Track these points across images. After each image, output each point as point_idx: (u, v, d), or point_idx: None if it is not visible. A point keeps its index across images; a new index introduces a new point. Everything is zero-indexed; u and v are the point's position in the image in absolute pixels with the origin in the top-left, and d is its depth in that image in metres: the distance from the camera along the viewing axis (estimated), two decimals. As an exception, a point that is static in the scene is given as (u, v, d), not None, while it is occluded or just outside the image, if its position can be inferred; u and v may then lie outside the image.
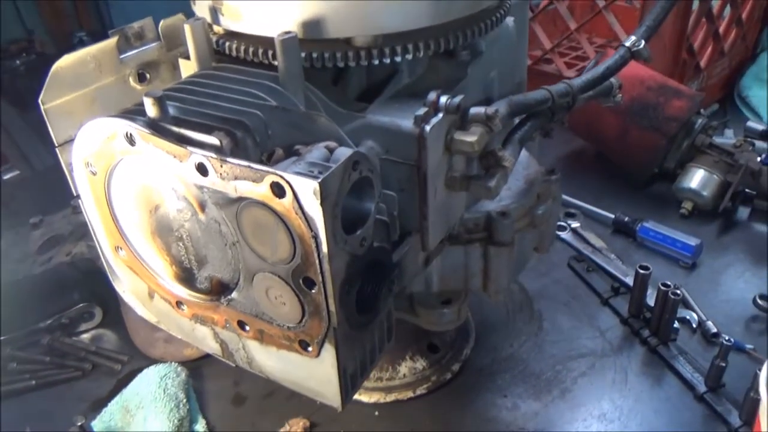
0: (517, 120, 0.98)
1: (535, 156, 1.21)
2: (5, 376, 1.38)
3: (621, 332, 1.42)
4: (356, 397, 1.27)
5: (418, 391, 1.28)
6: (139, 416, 1.21)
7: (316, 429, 1.23)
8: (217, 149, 0.71)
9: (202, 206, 0.75)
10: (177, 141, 0.72)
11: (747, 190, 1.72)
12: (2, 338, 1.43)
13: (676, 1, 1.09)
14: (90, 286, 1.49)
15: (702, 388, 1.23)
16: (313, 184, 0.63)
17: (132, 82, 0.96)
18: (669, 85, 1.77)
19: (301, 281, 0.71)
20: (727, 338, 1.21)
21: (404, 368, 1.29)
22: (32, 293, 1.49)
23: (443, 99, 0.82)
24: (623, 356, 1.35)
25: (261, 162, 0.74)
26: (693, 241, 1.57)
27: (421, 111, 0.81)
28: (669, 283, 1.32)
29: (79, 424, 1.12)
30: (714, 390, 1.22)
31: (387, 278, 0.82)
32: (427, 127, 0.80)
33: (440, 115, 0.82)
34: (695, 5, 1.94)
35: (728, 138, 1.89)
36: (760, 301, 1.42)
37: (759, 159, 1.71)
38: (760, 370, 0.98)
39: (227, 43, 0.91)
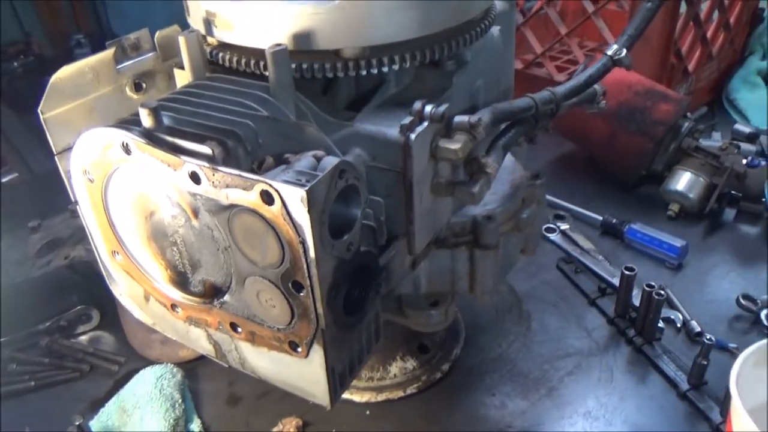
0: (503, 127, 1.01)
1: (522, 161, 1.24)
2: (5, 377, 1.40)
3: (607, 332, 1.45)
4: (348, 396, 1.30)
5: (409, 391, 1.31)
6: (135, 416, 1.24)
7: (309, 428, 1.26)
8: (209, 158, 0.74)
9: (196, 213, 0.78)
10: (171, 150, 0.75)
11: (733, 192, 1.75)
12: (2, 340, 1.46)
13: (656, 10, 1.12)
14: (88, 288, 1.51)
15: (685, 385, 1.26)
16: (301, 192, 0.66)
17: (129, 91, 0.99)
18: (656, 89, 1.81)
19: (290, 285, 0.74)
20: (708, 337, 1.24)
21: (395, 368, 1.32)
22: (31, 296, 1.52)
23: (428, 108, 0.86)
24: (609, 355, 1.39)
25: (252, 170, 0.77)
26: (679, 243, 1.61)
27: (407, 120, 0.85)
28: (653, 283, 1.35)
29: (77, 423, 1.15)
30: (697, 388, 1.26)
31: (374, 281, 0.85)
32: (412, 136, 0.83)
33: (425, 123, 0.85)
34: (683, 9, 1.97)
35: (716, 141, 1.92)
36: (743, 301, 1.45)
37: (745, 161, 1.75)
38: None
39: (221, 54, 0.94)
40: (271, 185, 0.68)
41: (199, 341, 0.94)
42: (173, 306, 0.91)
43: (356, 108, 0.95)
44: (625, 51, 1.10)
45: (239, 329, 0.85)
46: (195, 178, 0.73)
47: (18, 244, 1.65)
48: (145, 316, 0.99)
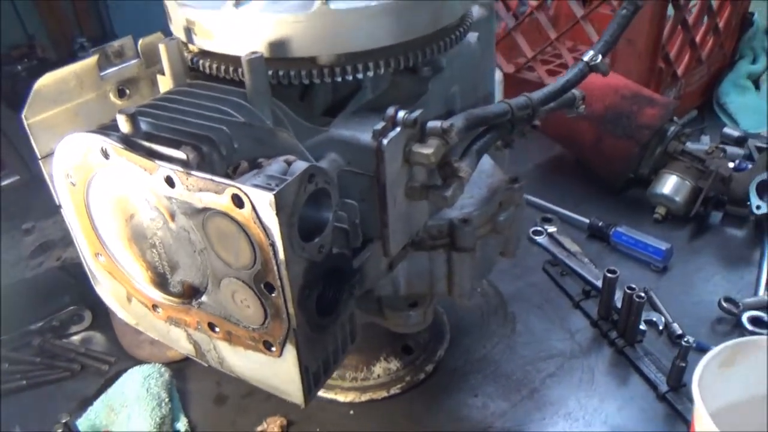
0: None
1: (505, 167, 1.26)
2: (-3, 376, 1.43)
3: (590, 334, 1.46)
4: (332, 396, 1.33)
5: (392, 391, 1.33)
6: (122, 414, 1.26)
7: (293, 427, 1.28)
8: (183, 163, 0.76)
9: (172, 215, 0.80)
10: (147, 155, 0.77)
11: (719, 195, 1.77)
12: (-5, 340, 1.49)
13: (631, 17, 1.14)
14: (80, 289, 1.53)
15: (664, 387, 1.28)
16: (269, 196, 0.69)
17: (113, 97, 1.02)
18: (642, 93, 1.82)
19: (262, 286, 0.76)
20: (686, 339, 1.26)
21: (379, 369, 1.34)
22: (25, 297, 1.54)
23: (401, 114, 0.88)
24: (591, 357, 1.40)
25: (227, 175, 0.79)
26: (663, 246, 1.62)
27: (380, 125, 0.87)
28: (634, 286, 1.37)
29: (64, 421, 1.17)
30: (675, 389, 1.27)
31: (347, 283, 0.87)
32: (385, 141, 0.85)
33: (398, 129, 0.87)
34: (670, 14, 1.99)
35: (704, 144, 1.94)
36: (725, 304, 1.46)
37: (732, 165, 1.77)
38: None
39: (201, 61, 0.96)
40: (241, 189, 0.70)
41: (179, 341, 0.96)
42: (154, 306, 0.93)
43: (333, 113, 0.97)
44: (600, 57, 1.12)
45: (217, 329, 0.88)
46: (170, 182, 0.76)
47: (14, 245, 1.68)
48: (128, 316, 1.01)
